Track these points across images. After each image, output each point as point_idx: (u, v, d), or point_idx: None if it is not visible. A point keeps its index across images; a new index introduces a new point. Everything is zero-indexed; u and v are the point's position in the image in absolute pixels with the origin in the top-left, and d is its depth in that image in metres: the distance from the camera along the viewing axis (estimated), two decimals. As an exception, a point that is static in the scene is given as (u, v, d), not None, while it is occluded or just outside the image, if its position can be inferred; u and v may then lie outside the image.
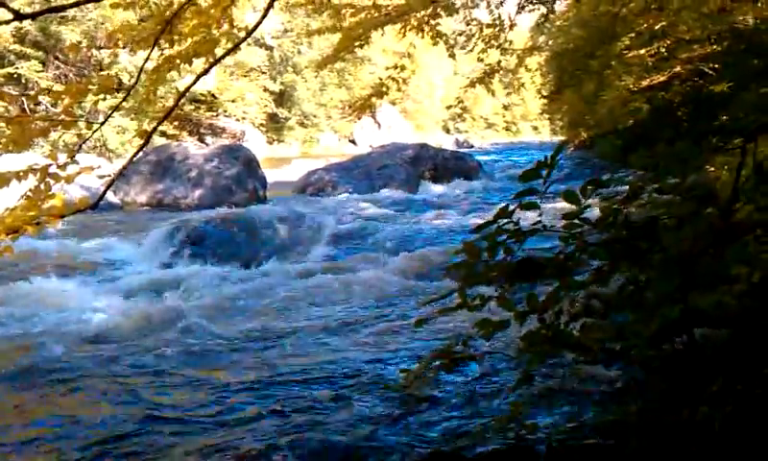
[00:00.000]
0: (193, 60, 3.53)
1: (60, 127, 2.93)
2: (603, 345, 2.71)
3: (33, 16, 3.45)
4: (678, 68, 9.89)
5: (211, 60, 3.53)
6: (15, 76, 27.49)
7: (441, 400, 4.10)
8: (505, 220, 2.46)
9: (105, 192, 2.90)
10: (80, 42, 29.09)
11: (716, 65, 6.20)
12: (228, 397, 4.46)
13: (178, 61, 3.47)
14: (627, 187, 2.72)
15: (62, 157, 2.85)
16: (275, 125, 44.25)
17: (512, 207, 2.47)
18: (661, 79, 10.44)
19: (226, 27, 3.75)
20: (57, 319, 6.21)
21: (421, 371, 2.38)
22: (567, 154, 23.24)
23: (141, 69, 3.25)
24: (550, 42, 16.62)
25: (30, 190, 2.62)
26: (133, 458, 3.61)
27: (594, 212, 2.66)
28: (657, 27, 9.78)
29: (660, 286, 2.50)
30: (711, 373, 2.50)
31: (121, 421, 4.07)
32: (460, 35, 7.71)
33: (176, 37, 3.51)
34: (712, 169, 4.14)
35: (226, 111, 38.86)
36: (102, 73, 27.43)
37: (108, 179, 2.78)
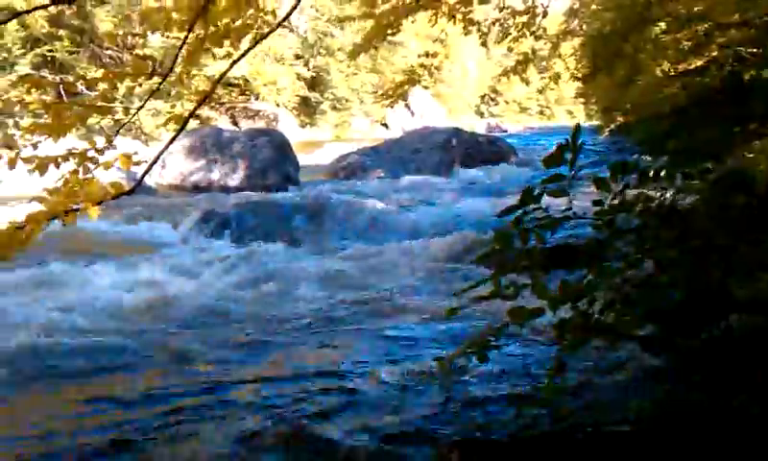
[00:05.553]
0: (223, 41, 3.54)
1: (96, 113, 2.96)
2: (637, 332, 2.69)
3: (70, 1, 3.50)
4: (715, 53, 9.70)
5: (244, 46, 3.54)
6: (50, 59, 27.85)
7: (473, 387, 4.09)
8: (533, 206, 2.43)
9: (142, 178, 2.93)
10: (115, 26, 29.33)
11: (755, 50, 6.08)
12: (256, 381, 4.50)
13: (207, 45, 3.48)
14: (662, 173, 2.68)
15: (99, 141, 2.87)
16: (307, 109, 44.30)
17: (537, 192, 2.43)
18: (698, 63, 10.25)
19: (252, 11, 3.75)
20: (89, 301, 6.29)
21: (455, 359, 2.37)
22: (602, 138, 22.97)
23: (177, 55, 3.27)
24: (584, 27, 16.36)
25: (67, 174, 2.65)
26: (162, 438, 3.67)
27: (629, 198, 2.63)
28: (695, 9, 9.60)
29: (696, 273, 2.48)
30: (749, 361, 2.47)
31: (155, 398, 4.14)
32: (493, 23, 7.59)
33: (209, 21, 3.51)
34: (751, 155, 4.07)
35: (258, 95, 38.96)
36: (136, 56, 27.66)
37: (146, 164, 2.80)
